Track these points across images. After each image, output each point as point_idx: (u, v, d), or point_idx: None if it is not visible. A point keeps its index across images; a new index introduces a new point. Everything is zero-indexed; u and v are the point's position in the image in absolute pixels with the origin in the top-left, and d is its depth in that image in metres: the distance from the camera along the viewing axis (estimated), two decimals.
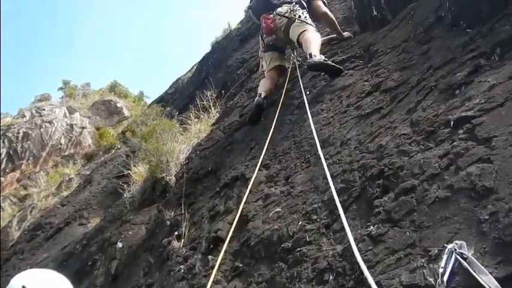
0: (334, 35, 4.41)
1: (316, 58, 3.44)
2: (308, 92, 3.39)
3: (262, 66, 4.64)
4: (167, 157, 6.23)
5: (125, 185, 7.54)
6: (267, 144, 3.01)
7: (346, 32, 4.36)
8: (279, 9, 4.20)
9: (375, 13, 4.05)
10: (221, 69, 9.35)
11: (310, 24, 4.03)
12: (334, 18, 4.44)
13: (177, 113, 9.46)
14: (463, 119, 1.64)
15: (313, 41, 3.74)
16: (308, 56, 3.53)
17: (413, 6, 3.23)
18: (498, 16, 2.20)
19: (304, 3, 4.29)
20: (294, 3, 4.23)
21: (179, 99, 12.51)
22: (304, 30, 3.92)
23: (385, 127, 2.13)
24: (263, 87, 4.12)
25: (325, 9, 4.42)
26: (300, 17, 4.05)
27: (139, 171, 7.38)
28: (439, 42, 2.52)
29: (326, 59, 3.46)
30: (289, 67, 4.35)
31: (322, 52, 3.75)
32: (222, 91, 7.37)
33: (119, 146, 15.17)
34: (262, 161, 2.93)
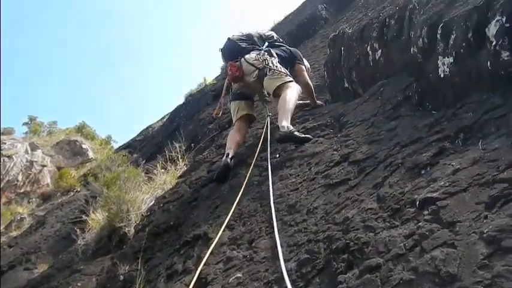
0: (308, 101, 4.50)
1: (283, 131, 3.38)
2: (278, 155, 3.42)
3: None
4: (128, 206, 6.04)
5: (80, 231, 7.21)
6: (234, 206, 2.95)
7: (318, 101, 4.50)
8: (247, 56, 4.07)
9: (346, 85, 4.23)
10: (193, 122, 9.41)
11: (287, 75, 3.91)
12: (313, 88, 4.45)
13: (143, 162, 9.32)
14: (428, 200, 1.67)
15: (287, 104, 3.60)
16: (276, 128, 3.48)
17: (382, 83, 3.39)
18: (461, 103, 2.34)
19: (274, 54, 4.17)
20: (262, 51, 4.13)
21: (147, 147, 12.39)
22: (282, 85, 3.79)
23: (352, 199, 2.15)
24: (231, 142, 3.97)
25: (307, 78, 4.41)
26: (271, 68, 3.91)
27: (97, 218, 7.10)
28: (406, 120, 2.63)
29: (292, 130, 3.41)
30: (265, 126, 4.16)
31: (294, 114, 3.78)
32: (192, 144, 7.37)
33: (78, 189, 14.66)
34: (226, 222, 2.86)
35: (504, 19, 2.10)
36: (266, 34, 4.51)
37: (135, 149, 14.18)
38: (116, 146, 21.87)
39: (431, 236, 1.51)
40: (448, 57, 2.49)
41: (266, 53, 4.08)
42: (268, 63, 3.93)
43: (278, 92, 3.81)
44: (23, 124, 24.57)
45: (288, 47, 4.57)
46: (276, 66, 3.93)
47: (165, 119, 14.89)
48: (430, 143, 2.12)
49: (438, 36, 2.56)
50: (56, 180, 18.04)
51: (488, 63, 2.20)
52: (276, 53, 4.22)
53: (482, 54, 2.26)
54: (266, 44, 4.35)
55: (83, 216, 7.63)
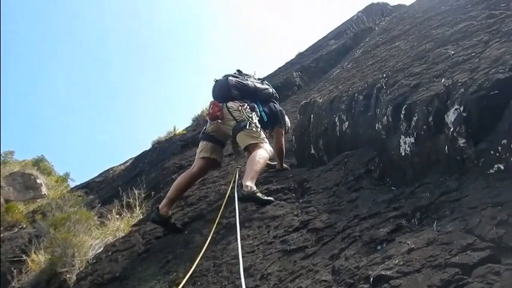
0: (274, 163, 4.53)
1: (246, 190, 3.33)
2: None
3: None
4: (74, 251, 5.69)
5: (17, 272, 6.70)
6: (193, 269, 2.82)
7: (284, 164, 4.55)
8: (230, 103, 3.99)
9: (313, 151, 4.33)
10: (156, 170, 9.24)
11: (262, 135, 3.89)
12: (284, 153, 4.49)
13: (99, 205, 8.95)
14: (382, 278, 1.66)
15: (255, 165, 3.56)
16: (240, 186, 3.44)
17: (347, 154, 3.48)
18: (419, 182, 2.42)
19: (257, 111, 4.14)
20: (246, 104, 4.06)
21: (105, 190, 11.98)
22: (255, 144, 3.78)
23: (307, 269, 2.11)
24: (172, 190, 3.86)
25: (282, 144, 4.45)
26: (250, 124, 3.86)
27: (38, 260, 6.63)
28: (367, 193, 2.68)
29: (255, 191, 3.37)
30: (232, 180, 4.05)
31: (259, 175, 3.76)
32: (152, 192, 7.17)
33: (24, 226, 13.82)
34: (175, 279, 2.73)
35: (462, 108, 2.24)
36: (263, 90, 4.43)
37: (92, 190, 13.67)
38: (72, 184, 20.98)
39: None
40: (409, 137, 2.60)
41: (249, 108, 4.04)
42: (247, 119, 3.89)
43: (249, 149, 3.80)
44: None
45: (277, 106, 4.59)
46: (255, 123, 3.90)
47: (128, 163, 14.58)
48: (388, 219, 2.15)
49: (402, 116, 2.69)
50: (1, 214, 16.97)
51: (446, 147, 2.32)
52: (262, 110, 4.24)
53: (440, 138, 2.38)
54: (259, 104, 4.30)
55: (23, 255, 7.12)
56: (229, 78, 4.18)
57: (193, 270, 2.79)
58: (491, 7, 3.67)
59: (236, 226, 2.88)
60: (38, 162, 23.79)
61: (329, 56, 10.72)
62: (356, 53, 7.51)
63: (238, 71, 4.45)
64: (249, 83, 4.28)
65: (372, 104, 3.36)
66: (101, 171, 16.49)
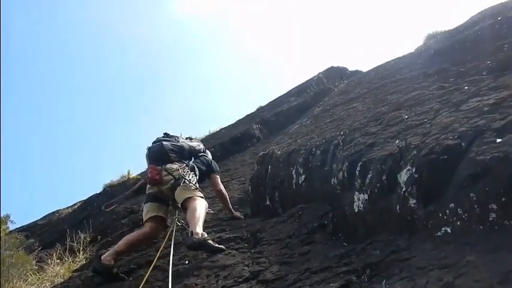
0: (211, 211, 4.56)
1: (197, 237, 3.31)
2: (187, 261, 3.24)
3: None
4: None
5: None
6: None
7: (238, 212, 4.50)
8: (169, 165, 4.16)
9: (268, 203, 4.31)
10: (106, 214, 8.84)
11: (198, 190, 4.02)
12: (227, 197, 4.64)
13: (39, 248, 8.37)
14: None
15: (197, 214, 3.63)
16: (190, 234, 3.42)
17: (302, 207, 3.49)
18: (371, 239, 2.44)
19: (197, 169, 4.36)
20: (184, 164, 4.26)
21: (48, 234, 11.28)
22: (191, 197, 3.87)
23: None
24: (122, 242, 3.84)
25: (220, 186, 4.63)
26: (185, 180, 4.01)
27: None
28: (319, 247, 2.67)
29: (206, 238, 3.36)
30: (171, 229, 4.04)
31: (211, 225, 3.72)
32: (99, 237, 6.80)
33: None
34: None
35: (414, 169, 2.33)
36: (196, 149, 4.71)
37: (34, 233, 12.81)
38: (12, 227, 19.58)
39: None
40: (363, 193, 2.66)
41: (187, 167, 4.25)
42: (184, 176, 4.07)
43: (186, 203, 3.87)
44: None
45: (207, 157, 4.83)
46: (190, 180, 4.07)
47: (76, 206, 13.90)
48: (338, 274, 2.13)
49: (357, 172, 2.76)
50: None
51: (398, 206, 2.38)
52: (196, 165, 4.44)
53: (393, 197, 2.44)
54: (193, 159, 4.54)
55: None
56: (163, 143, 4.40)
57: None
58: (442, 80, 3.95)
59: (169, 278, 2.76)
60: None
61: (289, 112, 11.01)
62: (315, 111, 7.77)
63: (166, 133, 4.69)
64: (184, 144, 4.55)
65: (329, 159, 3.43)
66: (45, 214, 15.59)
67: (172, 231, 3.82)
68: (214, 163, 4.87)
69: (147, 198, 4.23)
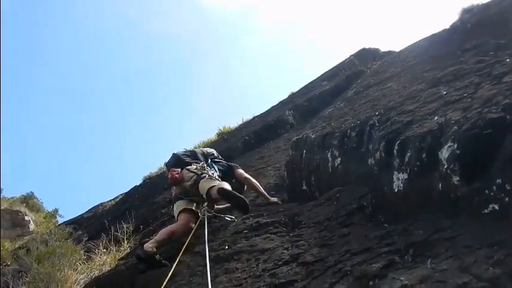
0: (227, 204, 4.59)
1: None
2: (227, 247, 3.28)
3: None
4: (58, 286, 5.46)
5: None
6: None
7: (275, 198, 4.51)
8: (189, 167, 4.55)
9: (304, 187, 4.29)
10: (146, 205, 9.09)
11: (218, 180, 4.30)
12: (257, 183, 4.76)
13: (86, 238, 8.71)
14: None
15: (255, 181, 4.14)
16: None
17: (339, 189, 3.45)
18: (412, 219, 2.38)
19: (216, 167, 4.72)
20: (202, 162, 4.65)
21: (94, 225, 11.73)
22: (213, 186, 4.10)
23: None
24: (164, 232, 4.10)
25: (246, 175, 4.82)
26: (207, 173, 4.37)
27: None
28: (358, 229, 2.63)
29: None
30: (203, 217, 4.28)
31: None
32: (141, 226, 7.01)
33: (9, 263, 13.35)
34: None
35: (456, 146, 2.24)
36: (208, 152, 5.12)
37: (81, 225, 13.37)
38: (61, 220, 20.44)
39: None
40: (403, 173, 2.59)
41: (206, 165, 4.62)
42: (206, 171, 4.42)
43: (210, 191, 4.11)
44: None
45: (225, 162, 5.11)
46: (212, 174, 4.40)
47: (118, 199, 14.36)
48: (380, 254, 2.09)
49: (395, 151, 2.68)
50: None
51: (440, 185, 2.30)
52: (217, 168, 4.76)
53: (434, 175, 2.36)
54: (209, 160, 4.91)
55: None
56: (175, 152, 4.93)
57: None
58: (481, 54, 3.76)
59: (206, 262, 2.81)
60: (27, 199, 23.36)
61: (321, 96, 10.83)
62: (348, 93, 7.61)
63: (184, 149, 5.20)
64: (195, 150, 5.11)
65: (365, 140, 3.36)
66: (90, 207, 16.21)
67: (204, 218, 4.04)
68: (232, 164, 5.15)
69: (174, 199, 4.58)
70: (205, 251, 3.34)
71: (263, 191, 4.66)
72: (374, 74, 7.88)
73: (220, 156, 5.28)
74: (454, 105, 2.65)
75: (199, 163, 4.63)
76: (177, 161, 4.75)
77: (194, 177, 4.38)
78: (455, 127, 2.31)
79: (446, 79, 3.43)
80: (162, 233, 4.07)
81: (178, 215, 4.31)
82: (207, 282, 2.63)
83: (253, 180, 4.76)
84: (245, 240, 3.30)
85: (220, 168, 4.80)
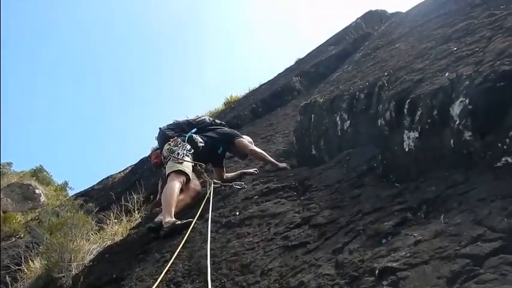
0: (251, 170, 4.61)
1: (166, 226, 3.57)
2: (238, 213, 3.30)
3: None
4: (71, 255, 5.57)
5: (12, 280, 6.58)
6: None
7: (283, 163, 4.49)
8: (166, 146, 4.31)
9: (314, 152, 4.26)
10: (156, 175, 9.14)
11: (180, 163, 4.07)
12: (263, 152, 4.63)
13: (96, 209, 8.85)
14: (388, 270, 1.59)
15: (165, 200, 3.81)
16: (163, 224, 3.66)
17: (349, 152, 3.42)
18: (424, 177, 2.35)
19: (197, 137, 4.40)
20: (176, 138, 4.36)
21: (104, 197, 11.88)
22: (169, 174, 4.01)
23: (309, 263, 2.04)
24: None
25: (250, 147, 4.64)
26: (174, 154, 4.13)
27: (34, 267, 6.51)
28: (369, 190, 2.61)
29: (175, 222, 3.58)
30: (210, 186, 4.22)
31: (258, 177, 3.82)
32: (151, 196, 7.09)
33: (22, 235, 13.67)
34: (173, 278, 2.66)
35: (467, 101, 2.19)
36: (197, 120, 4.73)
37: (92, 197, 13.58)
38: (72, 193, 20.77)
39: None
40: (413, 131, 2.54)
41: (180, 138, 4.34)
42: (172, 151, 4.18)
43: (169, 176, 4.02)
44: None
45: (223, 128, 4.82)
46: (178, 154, 4.14)
47: (127, 170, 14.50)
48: (392, 212, 2.08)
49: (405, 110, 2.63)
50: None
51: (452, 141, 2.26)
52: (206, 136, 4.50)
53: (446, 132, 2.32)
54: (194, 130, 4.57)
55: (20, 264, 6.99)
56: (161, 127, 4.61)
57: (192, 268, 2.72)
58: (491, 8, 3.63)
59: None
60: (37, 173, 23.63)
61: (329, 61, 10.64)
62: (356, 56, 7.47)
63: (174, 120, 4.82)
64: (180, 120, 4.70)
65: (374, 101, 3.30)
66: (100, 179, 16.40)
67: (211, 186, 4.02)
68: (232, 130, 4.92)
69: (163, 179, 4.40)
70: (216, 217, 3.38)
71: (270, 158, 4.58)
72: (382, 36, 7.69)
73: (217, 122, 4.98)
74: (465, 60, 2.57)
75: (176, 140, 4.34)
76: (162, 137, 4.50)
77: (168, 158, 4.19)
78: (467, 82, 2.24)
79: (456, 35, 3.33)
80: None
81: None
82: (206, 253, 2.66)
83: (259, 150, 4.66)
84: (256, 206, 3.31)
85: (212, 136, 4.55)
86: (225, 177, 4.69)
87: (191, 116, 4.84)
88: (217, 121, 5.00)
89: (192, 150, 4.27)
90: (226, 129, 4.85)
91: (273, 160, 4.56)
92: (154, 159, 4.42)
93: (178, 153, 4.14)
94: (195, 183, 4.22)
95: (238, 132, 4.92)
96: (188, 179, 4.16)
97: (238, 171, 4.80)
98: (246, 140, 4.75)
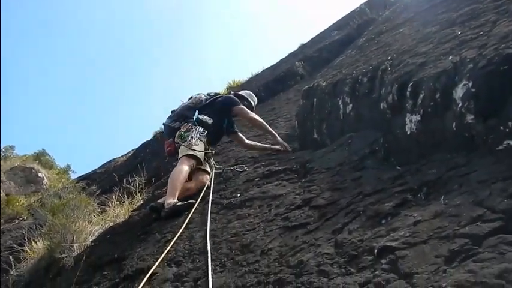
0: (276, 147, 4.55)
1: (167, 207, 3.63)
2: (239, 194, 3.32)
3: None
4: (74, 236, 5.62)
5: (15, 261, 6.64)
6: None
7: (283, 142, 4.48)
8: (177, 133, 4.32)
9: (315, 136, 4.26)
10: (158, 158, 9.18)
11: (190, 148, 4.09)
12: (263, 121, 4.65)
13: (98, 191, 8.90)
14: (387, 249, 1.60)
15: (171, 182, 3.85)
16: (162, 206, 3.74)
17: (351, 135, 3.42)
18: (426, 160, 2.35)
19: (205, 117, 4.41)
20: (185, 124, 4.36)
21: (106, 180, 11.95)
22: (180, 158, 4.07)
23: (309, 243, 2.05)
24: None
25: (251, 115, 4.61)
26: (188, 137, 4.16)
27: (36, 248, 6.57)
28: (370, 172, 2.62)
29: (177, 203, 3.63)
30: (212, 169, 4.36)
31: (259, 160, 3.77)
32: (153, 178, 7.12)
33: (25, 217, 13.79)
34: (174, 258, 2.68)
35: (471, 84, 2.18)
36: (194, 101, 4.69)
37: (94, 181, 13.65)
38: (74, 176, 20.90)
39: (388, 286, 1.43)
40: (415, 114, 2.54)
41: (190, 124, 4.33)
42: (182, 138, 4.20)
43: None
44: None
45: (220, 98, 4.77)
46: (190, 140, 4.15)
47: (129, 154, 14.56)
48: (392, 194, 2.09)
49: (408, 94, 2.62)
50: (1, 207, 16.88)
51: (454, 124, 2.25)
52: (208, 113, 4.48)
53: (448, 115, 2.31)
54: (197, 112, 4.52)
55: (23, 244, 7.06)
56: (165, 122, 4.62)
57: (192, 248, 2.74)
58: None
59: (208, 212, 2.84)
60: (39, 156, 23.74)
61: (332, 46, 10.56)
62: (359, 41, 7.41)
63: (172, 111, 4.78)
64: (179, 109, 4.66)
65: (377, 85, 3.28)
66: (102, 163, 16.48)
67: (213, 168, 4.14)
68: (227, 97, 4.84)
69: None
70: (218, 199, 3.40)
71: (270, 128, 4.59)
72: (386, 21, 7.61)
73: (212, 94, 4.90)
74: (469, 44, 2.54)
75: (186, 125, 4.35)
76: (169, 131, 4.51)
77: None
78: (471, 65, 2.23)
79: (461, 19, 3.29)
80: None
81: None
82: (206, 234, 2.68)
83: (259, 118, 4.62)
84: (257, 188, 3.32)
85: (208, 112, 4.51)
86: (246, 142, 4.76)
87: (185, 100, 4.80)
88: (212, 93, 4.93)
89: (206, 132, 4.30)
90: (220, 98, 4.80)
91: (274, 132, 4.58)
92: (168, 148, 4.41)
93: (192, 137, 4.17)
94: (206, 178, 4.22)
95: (236, 99, 4.81)
96: (200, 163, 4.20)
97: (266, 145, 4.77)
98: (246, 108, 4.70)
